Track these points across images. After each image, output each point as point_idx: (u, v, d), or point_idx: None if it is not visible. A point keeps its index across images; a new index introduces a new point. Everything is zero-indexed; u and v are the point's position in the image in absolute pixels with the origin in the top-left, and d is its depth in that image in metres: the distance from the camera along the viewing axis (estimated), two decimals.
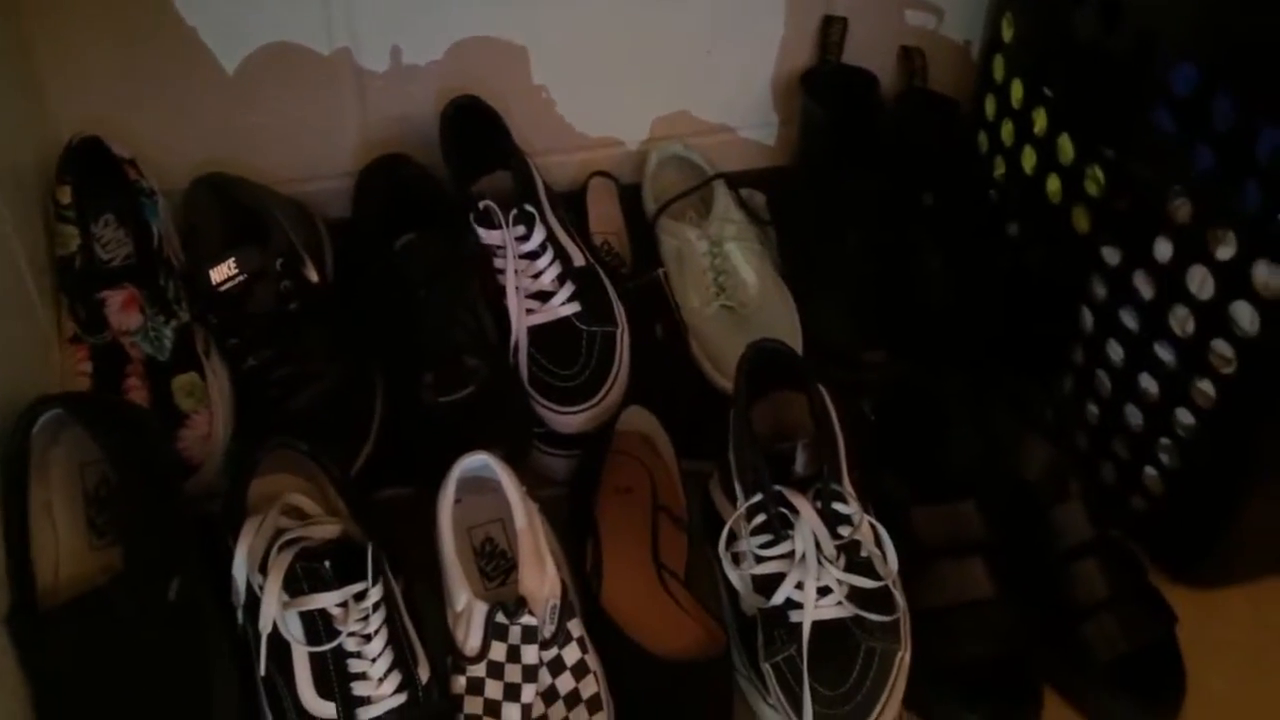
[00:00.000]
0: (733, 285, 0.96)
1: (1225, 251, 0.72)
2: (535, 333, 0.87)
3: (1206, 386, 0.77)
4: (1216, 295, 0.74)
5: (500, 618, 0.70)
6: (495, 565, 0.78)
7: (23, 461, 0.60)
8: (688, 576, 0.81)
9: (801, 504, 0.72)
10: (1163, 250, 0.78)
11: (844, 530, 0.73)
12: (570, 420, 0.86)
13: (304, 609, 0.65)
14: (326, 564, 0.65)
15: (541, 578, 0.72)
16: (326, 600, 0.65)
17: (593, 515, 0.82)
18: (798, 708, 0.71)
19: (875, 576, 0.73)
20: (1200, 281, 0.75)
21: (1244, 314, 0.73)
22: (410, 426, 0.84)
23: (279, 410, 0.81)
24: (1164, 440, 0.83)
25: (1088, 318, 0.87)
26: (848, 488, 0.74)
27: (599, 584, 0.78)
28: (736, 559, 0.75)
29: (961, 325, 0.95)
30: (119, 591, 0.58)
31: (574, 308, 0.87)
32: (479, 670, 0.70)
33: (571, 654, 0.72)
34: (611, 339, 0.88)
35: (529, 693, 0.70)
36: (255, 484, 0.72)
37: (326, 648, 0.65)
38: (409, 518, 0.77)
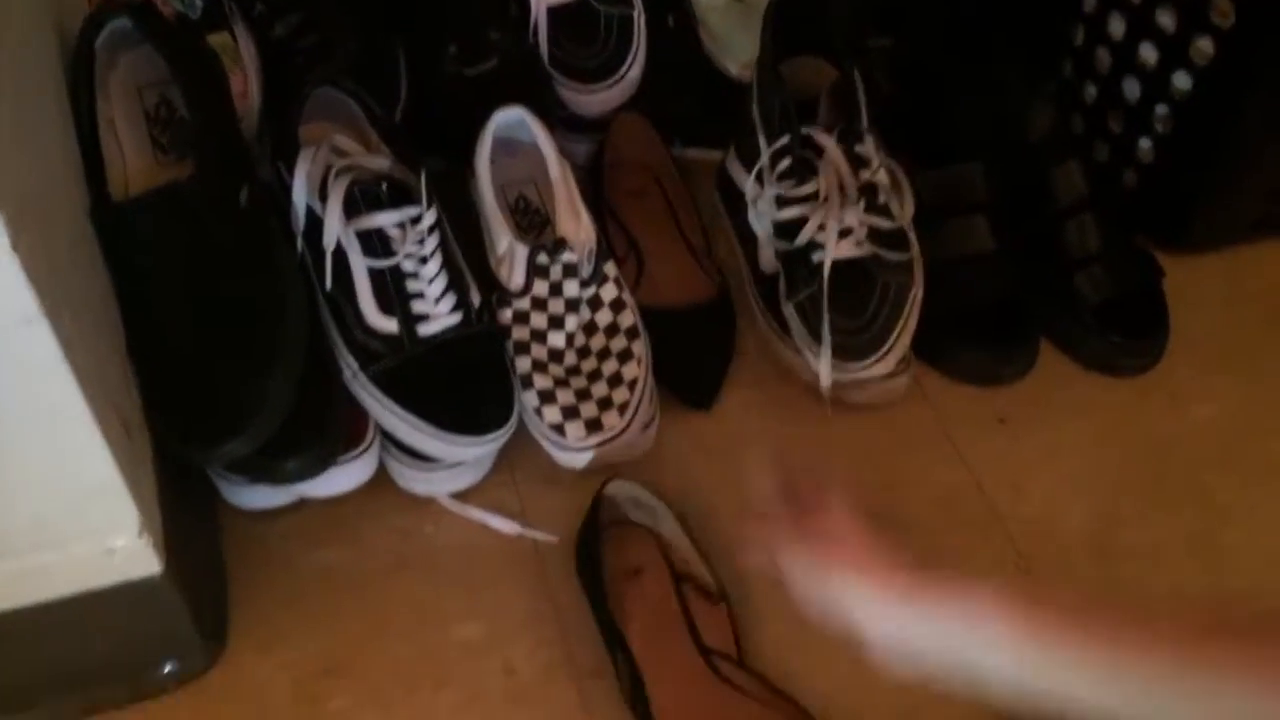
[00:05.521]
0: None
1: None
2: (555, 13, 0.88)
3: (1205, 44, 0.81)
4: None
5: (542, 258, 0.73)
6: (530, 220, 0.82)
7: (89, 66, 0.61)
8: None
9: (826, 141, 0.75)
10: None
11: (864, 173, 0.77)
12: (591, 100, 0.88)
13: (363, 228, 0.68)
14: (384, 185, 0.68)
15: (577, 223, 0.75)
16: (385, 220, 0.68)
17: (610, 201, 0.86)
18: (819, 339, 0.76)
19: (892, 219, 0.78)
20: None
21: None
22: (435, 98, 0.85)
23: (306, 79, 0.81)
24: (1159, 109, 0.87)
25: None
26: (867, 131, 0.78)
27: None
28: (759, 211, 0.79)
29: (965, 14, 0.97)
30: (194, 188, 0.60)
31: None
32: (524, 304, 0.74)
33: (608, 292, 0.76)
34: (629, 21, 0.89)
35: (572, 323, 0.74)
36: (300, 130, 0.73)
37: (386, 263, 0.68)
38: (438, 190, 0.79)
